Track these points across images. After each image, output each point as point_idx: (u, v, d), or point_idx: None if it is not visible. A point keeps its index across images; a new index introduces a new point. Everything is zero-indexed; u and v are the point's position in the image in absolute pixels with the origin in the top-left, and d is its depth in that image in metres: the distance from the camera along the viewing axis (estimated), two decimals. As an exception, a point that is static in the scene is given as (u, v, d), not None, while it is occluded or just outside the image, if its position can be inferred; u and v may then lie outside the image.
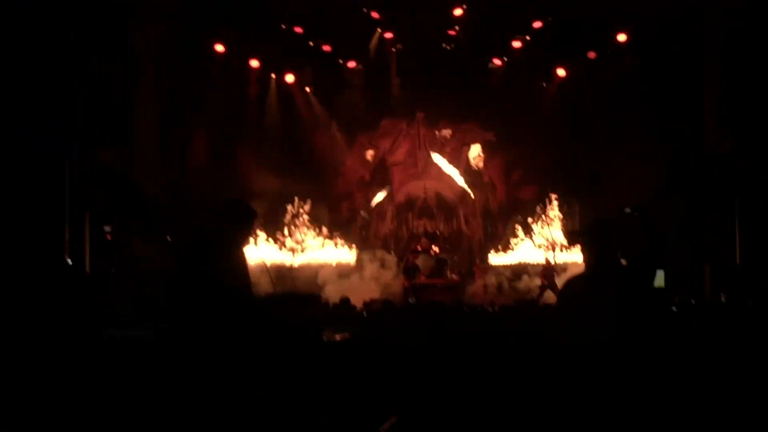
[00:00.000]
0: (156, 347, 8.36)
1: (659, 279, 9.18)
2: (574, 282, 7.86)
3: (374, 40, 31.83)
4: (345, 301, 20.33)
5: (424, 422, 7.94)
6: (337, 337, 9.13)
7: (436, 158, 34.23)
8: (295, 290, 20.98)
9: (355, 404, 7.84)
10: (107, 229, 20.67)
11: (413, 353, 8.94)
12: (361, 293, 27.06)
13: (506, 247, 32.47)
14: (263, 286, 10.10)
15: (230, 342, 7.69)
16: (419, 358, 8.83)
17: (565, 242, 31.63)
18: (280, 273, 28.45)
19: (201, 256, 8.09)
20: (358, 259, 31.70)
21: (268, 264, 17.96)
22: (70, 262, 21.47)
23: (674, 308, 16.96)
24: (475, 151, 33.99)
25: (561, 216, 32.33)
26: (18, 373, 8.15)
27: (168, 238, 27.93)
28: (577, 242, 7.18)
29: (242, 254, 8.25)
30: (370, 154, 34.27)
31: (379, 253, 32.23)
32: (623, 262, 7.83)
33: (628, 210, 8.00)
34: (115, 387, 7.92)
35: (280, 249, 31.33)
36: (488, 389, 7.99)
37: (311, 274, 29.70)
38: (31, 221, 19.42)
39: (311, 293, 9.98)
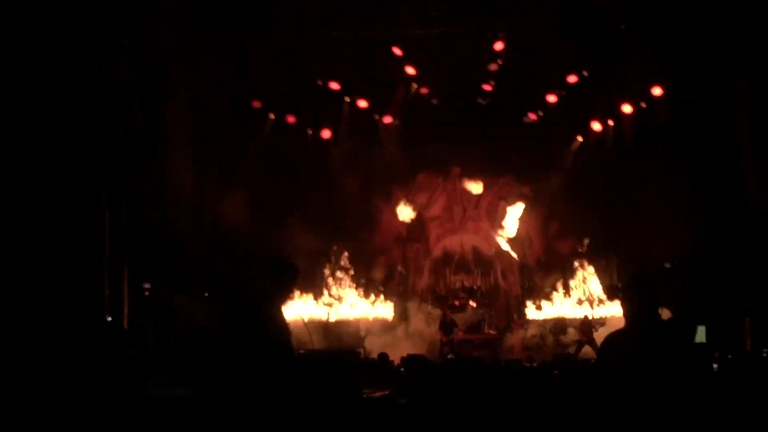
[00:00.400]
0: (196, 406, 8.35)
1: (700, 335, 9.13)
2: (615, 337, 7.82)
3: (410, 95, 31.89)
4: (383, 356, 20.31)
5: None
6: (377, 393, 9.10)
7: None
8: (334, 346, 20.91)
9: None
10: (146, 285, 20.68)
11: (454, 410, 8.91)
12: (399, 349, 27.01)
13: (544, 302, 32.28)
14: (302, 342, 10.12)
15: (271, 399, 7.69)
16: (460, 414, 8.80)
17: (602, 296, 31.48)
18: (318, 328, 28.44)
19: (244, 313, 8.11)
20: (396, 314, 31.65)
21: (306, 319, 17.96)
22: (109, 318, 21.53)
23: (715, 365, 16.85)
24: (519, 211, 33.93)
25: (598, 270, 32.15)
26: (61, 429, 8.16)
27: (206, 294, 28.03)
28: (617, 297, 7.13)
29: (282, 312, 8.26)
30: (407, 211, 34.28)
31: (417, 307, 32.15)
32: (664, 317, 7.79)
33: (668, 265, 7.95)
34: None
35: (317, 304, 31.35)
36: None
37: (349, 330, 29.71)
38: (71, 275, 19.49)
39: (350, 349, 9.92)
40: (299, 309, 28.26)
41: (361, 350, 14.13)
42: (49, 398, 8.65)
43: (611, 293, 8.18)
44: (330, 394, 8.34)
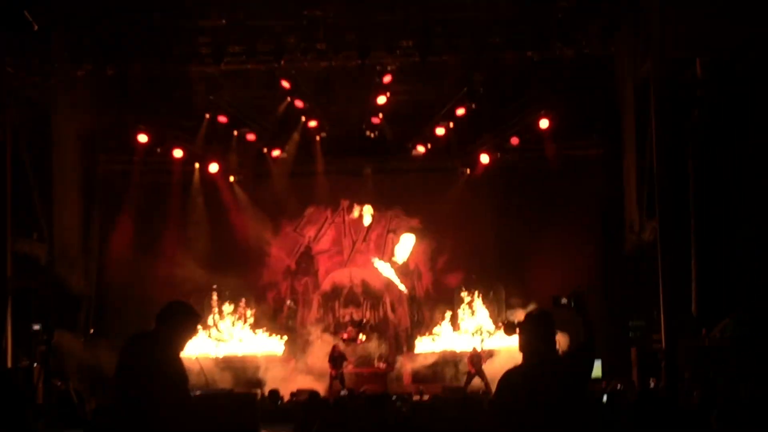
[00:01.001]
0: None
1: (596, 369, 9.17)
2: (513, 374, 7.78)
3: (298, 128, 31.82)
4: (273, 393, 20.14)
5: None
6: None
7: (379, 265, 34.23)
8: (227, 389, 20.67)
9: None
10: (36, 327, 20.26)
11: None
12: (288, 383, 26.87)
13: (433, 335, 32.34)
14: (194, 380, 9.92)
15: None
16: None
17: (491, 329, 31.62)
18: (208, 364, 28.12)
19: (141, 357, 7.92)
20: (285, 349, 31.47)
21: (196, 357, 17.80)
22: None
23: (604, 396, 17.01)
24: (410, 242, 33.98)
25: (486, 302, 32.32)
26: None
27: (91, 330, 27.60)
28: (513, 332, 7.10)
29: (180, 357, 8.08)
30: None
31: (306, 342, 32.02)
32: (560, 352, 7.78)
33: (564, 300, 7.92)
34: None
35: (207, 339, 31.05)
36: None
37: (238, 366, 29.36)
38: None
39: (247, 392, 9.73)
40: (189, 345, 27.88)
41: (258, 391, 13.90)
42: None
43: (508, 329, 8.13)
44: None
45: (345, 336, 32.13)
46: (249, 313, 32.40)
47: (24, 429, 8.29)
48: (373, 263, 34.06)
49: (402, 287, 33.81)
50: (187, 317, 8.20)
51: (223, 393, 11.48)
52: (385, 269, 34.03)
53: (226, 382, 26.08)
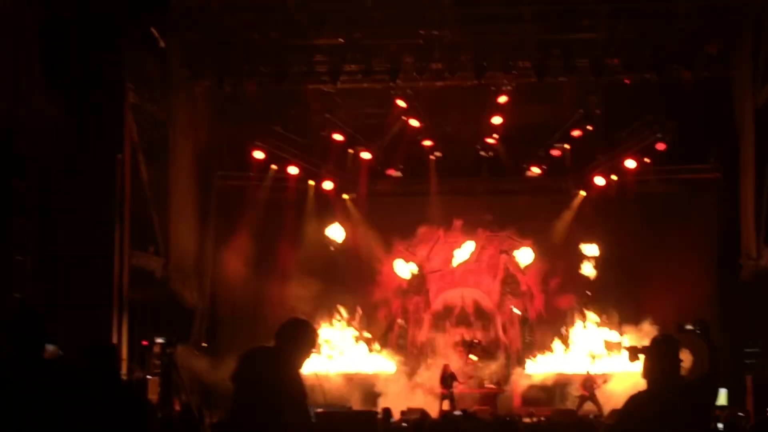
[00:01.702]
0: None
1: (722, 397, 9.02)
2: (638, 399, 7.69)
3: (413, 148, 31.87)
4: (386, 411, 20.16)
5: None
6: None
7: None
8: (347, 406, 20.66)
9: None
10: (159, 340, 20.48)
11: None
12: (400, 402, 26.87)
13: (544, 356, 32.13)
14: (312, 397, 9.94)
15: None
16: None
17: (603, 352, 31.34)
18: (322, 381, 28.26)
19: (262, 372, 7.96)
20: (397, 367, 31.51)
21: (317, 374, 17.89)
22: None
23: (720, 425, 16.70)
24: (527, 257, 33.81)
25: (600, 326, 32.02)
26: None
27: (204, 344, 27.91)
28: (637, 358, 7.03)
29: (300, 374, 8.11)
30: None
31: (417, 361, 32.05)
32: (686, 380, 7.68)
33: (689, 326, 7.82)
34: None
35: (320, 355, 31.25)
36: None
37: (350, 383, 29.40)
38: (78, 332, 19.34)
39: (368, 411, 9.72)
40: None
41: (378, 410, 14.01)
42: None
43: (632, 354, 8.05)
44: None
45: (456, 356, 32.09)
46: (361, 330, 32.52)
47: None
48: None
49: (514, 309, 33.62)
50: (308, 335, 8.22)
51: (344, 411, 11.55)
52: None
53: (340, 399, 26.20)
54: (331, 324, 32.40)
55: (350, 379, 30.06)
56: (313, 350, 8.22)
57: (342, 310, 32.51)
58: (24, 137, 19.87)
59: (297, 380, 8.05)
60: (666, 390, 7.45)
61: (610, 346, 30.96)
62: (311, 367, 25.92)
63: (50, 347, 8.04)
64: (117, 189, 23.42)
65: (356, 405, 26.54)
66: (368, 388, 29.37)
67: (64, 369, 7.11)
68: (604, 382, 28.63)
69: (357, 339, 32.49)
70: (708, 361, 7.76)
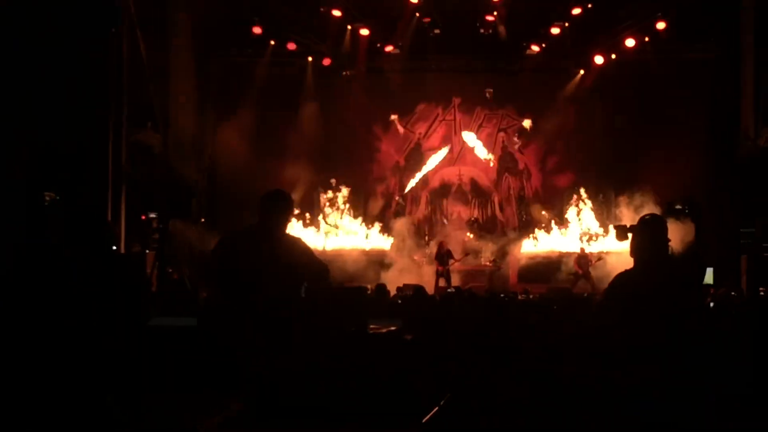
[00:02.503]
0: (201, 337, 8.32)
1: (708, 276, 9.12)
2: (626, 276, 7.80)
3: (412, 25, 31.59)
4: (380, 287, 20.32)
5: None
6: (383, 329, 9.08)
7: (469, 138, 34.11)
8: (339, 283, 20.83)
9: (401, 396, 7.77)
10: (152, 215, 20.58)
11: (459, 345, 8.89)
12: (395, 278, 27.07)
13: (540, 235, 32.32)
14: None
15: (279, 335, 7.68)
16: (465, 350, 8.78)
17: (599, 231, 31.53)
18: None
19: (240, 247, 8.09)
20: (393, 244, 31.68)
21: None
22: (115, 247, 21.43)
23: (711, 303, 16.86)
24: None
25: (596, 205, 32.15)
26: (57, 359, 8.08)
27: (202, 219, 28.00)
28: (626, 237, 7.09)
29: (290, 240, 8.25)
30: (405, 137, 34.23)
31: (413, 237, 32.22)
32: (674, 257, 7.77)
33: (678, 206, 7.90)
34: (161, 376, 7.89)
35: (316, 232, 31.42)
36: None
37: (345, 259, 29.55)
38: (72, 203, 19.37)
39: (358, 286, 9.82)
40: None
41: (368, 286, 14.16)
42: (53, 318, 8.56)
43: (620, 233, 8.08)
44: (339, 331, 8.35)
45: (453, 233, 32.29)
46: (357, 207, 32.67)
47: (139, 313, 8.49)
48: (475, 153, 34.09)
49: (511, 186, 33.78)
50: (286, 203, 8.33)
51: (334, 287, 11.65)
52: (471, 140, 34.08)
53: (333, 275, 26.36)
54: (329, 201, 32.50)
55: (345, 255, 30.20)
56: (291, 217, 8.33)
57: (341, 188, 32.60)
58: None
59: (291, 240, 8.21)
60: (652, 267, 7.55)
61: (606, 225, 31.21)
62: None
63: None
64: (112, 64, 23.23)
65: (351, 282, 26.71)
66: (365, 265, 29.51)
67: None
68: (599, 259, 28.81)
69: (354, 216, 32.62)
70: (695, 239, 7.85)
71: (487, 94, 33.81)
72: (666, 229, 7.63)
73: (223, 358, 7.86)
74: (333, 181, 32.51)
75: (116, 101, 23.43)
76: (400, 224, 32.50)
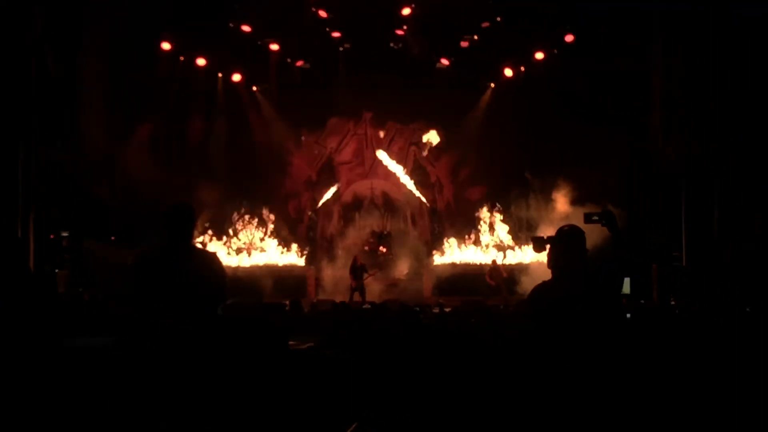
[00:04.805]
0: (118, 355, 8.20)
1: (626, 286, 9.18)
2: (544, 288, 7.81)
3: (322, 40, 31.56)
4: (295, 303, 20.24)
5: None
6: (303, 345, 9.03)
7: (383, 157, 34.24)
8: (253, 299, 20.76)
9: (324, 413, 7.74)
10: (65, 234, 20.36)
11: (380, 360, 8.86)
12: (309, 294, 27.02)
13: (452, 247, 32.43)
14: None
15: (198, 349, 7.59)
16: (385, 365, 8.75)
17: (510, 243, 31.75)
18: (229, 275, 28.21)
19: (154, 261, 8.01)
20: (306, 260, 31.64)
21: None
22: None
23: (627, 314, 16.99)
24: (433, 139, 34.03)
25: (507, 217, 32.35)
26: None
27: (112, 238, 27.70)
28: (543, 249, 7.14)
29: (200, 254, 8.19)
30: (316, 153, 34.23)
31: (326, 253, 32.22)
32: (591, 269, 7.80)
33: (596, 217, 7.93)
34: (79, 398, 7.76)
35: (228, 253, 31.19)
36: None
37: (259, 275, 29.43)
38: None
39: (277, 302, 9.78)
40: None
41: (286, 302, 14.11)
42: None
43: (537, 244, 8.12)
44: (258, 349, 8.28)
45: (365, 247, 32.31)
46: (270, 223, 32.56)
47: (52, 333, 8.37)
48: (391, 172, 34.18)
49: (423, 200, 33.94)
50: (192, 214, 8.25)
51: (253, 303, 11.61)
52: (390, 164, 34.18)
53: (249, 293, 26.16)
54: (241, 217, 32.36)
55: (258, 272, 30.08)
56: (192, 231, 8.25)
57: (251, 203, 32.47)
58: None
59: (206, 255, 8.15)
60: (570, 279, 7.58)
61: (517, 238, 31.47)
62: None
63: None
64: (21, 81, 22.94)
65: (267, 298, 26.60)
66: (278, 281, 29.39)
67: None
68: (509, 272, 28.98)
69: (267, 232, 32.49)
70: (612, 250, 7.89)
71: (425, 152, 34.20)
72: (584, 240, 7.65)
73: (143, 376, 7.75)
74: (242, 197, 32.32)
75: (26, 118, 23.11)
76: (313, 239, 32.51)
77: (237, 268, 29.84)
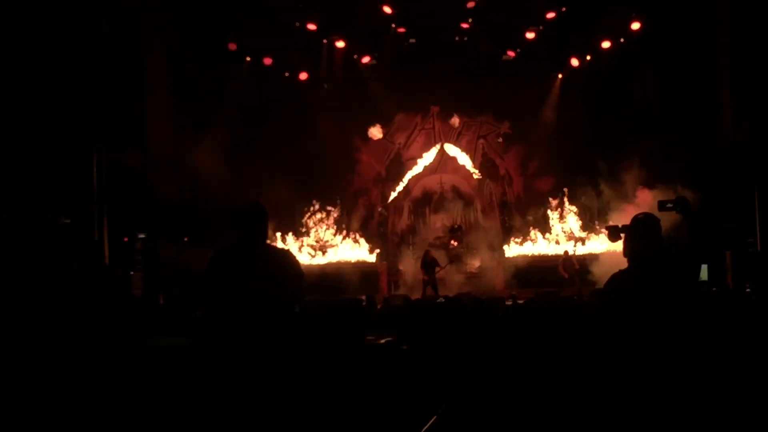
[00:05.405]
0: (195, 356, 8.27)
1: (703, 273, 9.08)
2: (619, 277, 7.76)
3: (388, 35, 31.58)
4: (369, 299, 20.27)
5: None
6: (380, 340, 9.06)
7: (452, 150, 34.23)
8: (333, 296, 20.79)
9: (401, 406, 7.76)
10: (141, 236, 20.56)
11: (455, 354, 8.87)
12: (382, 289, 27.04)
13: (524, 239, 32.31)
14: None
15: (277, 348, 7.63)
16: (461, 359, 8.76)
17: (582, 234, 31.58)
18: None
19: (230, 261, 8.03)
20: (378, 256, 31.66)
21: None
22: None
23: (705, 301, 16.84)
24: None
25: (579, 208, 32.16)
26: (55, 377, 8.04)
27: (185, 239, 27.93)
28: (618, 238, 7.08)
29: (274, 252, 8.22)
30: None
31: (397, 248, 32.27)
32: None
33: (670, 204, 7.86)
34: (156, 397, 7.84)
35: (300, 249, 31.28)
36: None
37: (332, 272, 29.52)
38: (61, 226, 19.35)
39: (354, 298, 9.80)
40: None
41: (363, 298, 14.12)
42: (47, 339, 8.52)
43: (612, 234, 8.05)
44: (337, 344, 8.32)
45: (437, 241, 32.27)
46: (341, 220, 32.63)
47: (127, 332, 8.47)
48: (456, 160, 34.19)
49: (493, 193, 33.88)
50: (264, 213, 8.25)
51: (330, 299, 11.66)
52: (460, 156, 34.19)
53: (323, 290, 26.21)
54: (312, 215, 32.47)
55: (332, 270, 30.16)
56: (266, 230, 8.25)
57: (322, 201, 32.59)
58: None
59: (281, 252, 8.17)
60: (647, 267, 7.52)
61: (588, 228, 31.32)
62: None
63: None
64: (91, 85, 23.19)
65: (341, 295, 26.64)
66: (351, 277, 29.42)
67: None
68: (582, 262, 28.79)
69: (337, 229, 32.57)
70: (688, 237, 7.81)
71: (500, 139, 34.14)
72: (659, 228, 7.60)
73: (220, 375, 7.80)
74: (312, 195, 32.42)
75: (95, 123, 23.35)
76: (384, 235, 32.55)
77: (310, 266, 29.89)
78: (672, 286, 7.42)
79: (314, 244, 31.92)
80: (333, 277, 28.96)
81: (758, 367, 7.75)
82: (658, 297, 7.33)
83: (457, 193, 34.11)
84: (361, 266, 30.95)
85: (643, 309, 7.32)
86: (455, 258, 31.17)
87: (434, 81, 33.19)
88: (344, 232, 32.49)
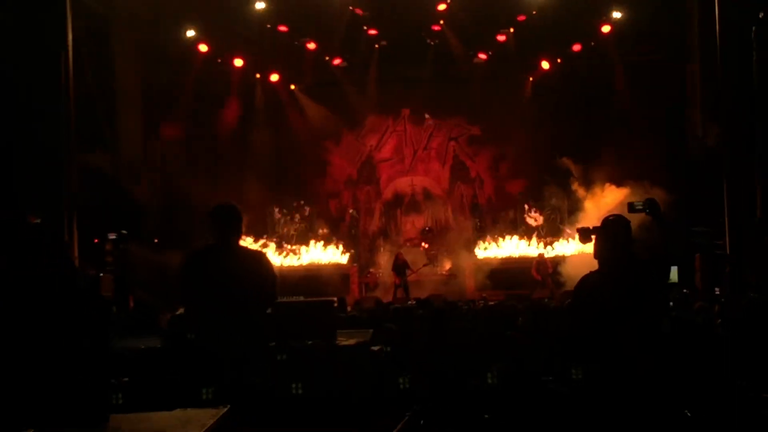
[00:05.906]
0: (167, 357, 8.25)
1: (673, 274, 9.10)
2: (590, 279, 7.80)
3: (359, 37, 31.57)
4: (340, 301, 20.27)
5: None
6: (351, 341, 9.08)
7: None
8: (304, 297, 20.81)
9: (370, 408, 7.76)
10: (112, 236, 20.44)
11: (427, 355, 8.88)
12: (353, 291, 27.03)
13: (495, 242, 32.31)
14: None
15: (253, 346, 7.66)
16: (434, 359, 8.76)
17: (553, 236, 31.63)
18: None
19: (202, 263, 8.04)
20: (349, 258, 31.61)
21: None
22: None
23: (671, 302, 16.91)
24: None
25: (550, 209, 32.21)
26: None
27: (155, 240, 27.82)
28: (589, 239, 7.09)
29: (248, 255, 8.23)
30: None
31: (368, 250, 32.25)
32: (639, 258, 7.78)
33: (640, 206, 7.91)
34: (127, 400, 7.80)
35: (273, 251, 31.21)
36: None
37: (303, 274, 29.45)
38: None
39: (327, 300, 9.78)
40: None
41: (335, 299, 14.18)
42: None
43: (583, 235, 8.08)
44: (309, 344, 8.34)
45: (407, 244, 32.29)
46: (312, 223, 32.56)
47: (96, 334, 8.41)
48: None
49: (464, 195, 33.93)
50: (238, 213, 8.26)
51: (302, 301, 11.65)
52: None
53: (295, 291, 26.14)
54: (283, 217, 32.37)
55: (302, 272, 30.08)
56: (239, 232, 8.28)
57: (293, 203, 32.50)
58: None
59: (256, 254, 8.17)
60: (617, 269, 7.56)
61: (560, 230, 31.39)
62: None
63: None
64: (61, 87, 23.01)
65: (312, 296, 26.52)
66: (322, 280, 29.35)
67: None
68: (557, 265, 28.84)
69: (308, 231, 32.50)
70: (659, 239, 7.85)
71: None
72: (630, 229, 7.64)
73: (193, 375, 7.79)
74: (282, 197, 32.35)
75: (65, 124, 23.19)
76: (355, 237, 32.54)
77: (281, 267, 29.82)
78: (643, 287, 7.47)
79: (285, 246, 31.81)
80: (304, 279, 28.84)
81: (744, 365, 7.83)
82: (629, 298, 7.37)
83: (428, 195, 34.15)
84: (332, 268, 30.87)
85: (614, 310, 7.37)
86: (426, 261, 31.19)
87: (405, 83, 33.21)
88: (316, 234, 32.37)
